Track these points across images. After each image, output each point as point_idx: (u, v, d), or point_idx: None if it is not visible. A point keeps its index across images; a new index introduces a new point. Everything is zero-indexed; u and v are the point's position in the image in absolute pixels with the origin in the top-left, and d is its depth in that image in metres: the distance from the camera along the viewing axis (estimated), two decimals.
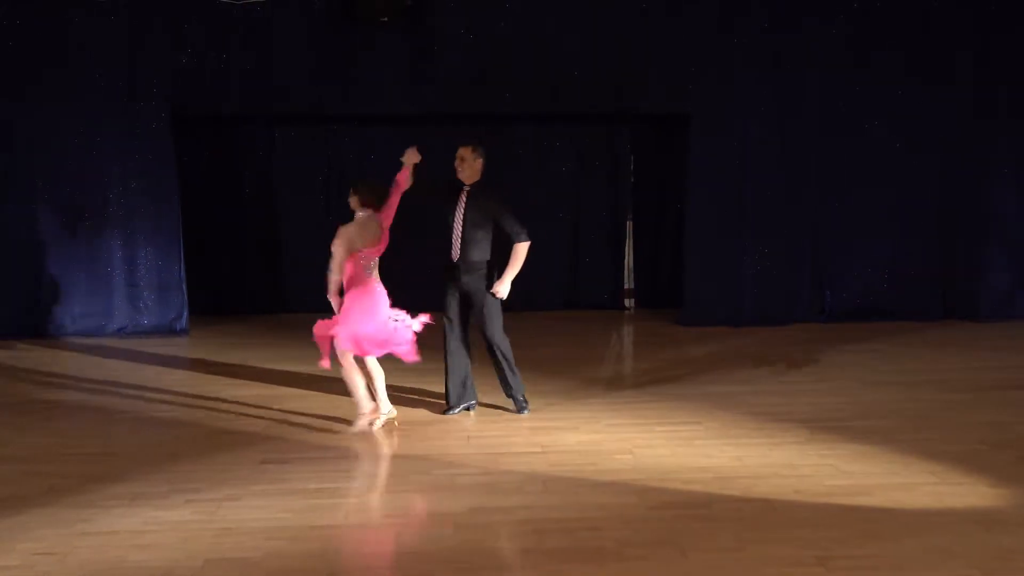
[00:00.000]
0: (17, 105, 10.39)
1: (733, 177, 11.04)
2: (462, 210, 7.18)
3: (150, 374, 8.84)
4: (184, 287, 10.80)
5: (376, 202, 6.96)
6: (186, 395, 8.05)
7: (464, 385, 7.43)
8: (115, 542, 5.05)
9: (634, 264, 12.46)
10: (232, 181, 11.93)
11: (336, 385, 7.59)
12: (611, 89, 10.98)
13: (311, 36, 10.66)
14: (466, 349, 7.39)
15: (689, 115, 11.00)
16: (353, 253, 6.77)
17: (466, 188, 7.23)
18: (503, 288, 7.21)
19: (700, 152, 11.04)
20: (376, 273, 6.93)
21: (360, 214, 6.91)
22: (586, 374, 8.84)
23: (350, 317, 6.76)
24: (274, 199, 12.00)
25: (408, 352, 6.98)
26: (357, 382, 6.87)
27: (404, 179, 7.12)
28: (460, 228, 7.17)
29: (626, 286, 12.47)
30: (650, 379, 8.66)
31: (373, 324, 6.81)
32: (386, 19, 10.46)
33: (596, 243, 12.35)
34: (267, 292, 11.96)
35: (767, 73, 10.93)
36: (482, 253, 7.20)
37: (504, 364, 7.34)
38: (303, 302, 10.85)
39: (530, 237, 7.24)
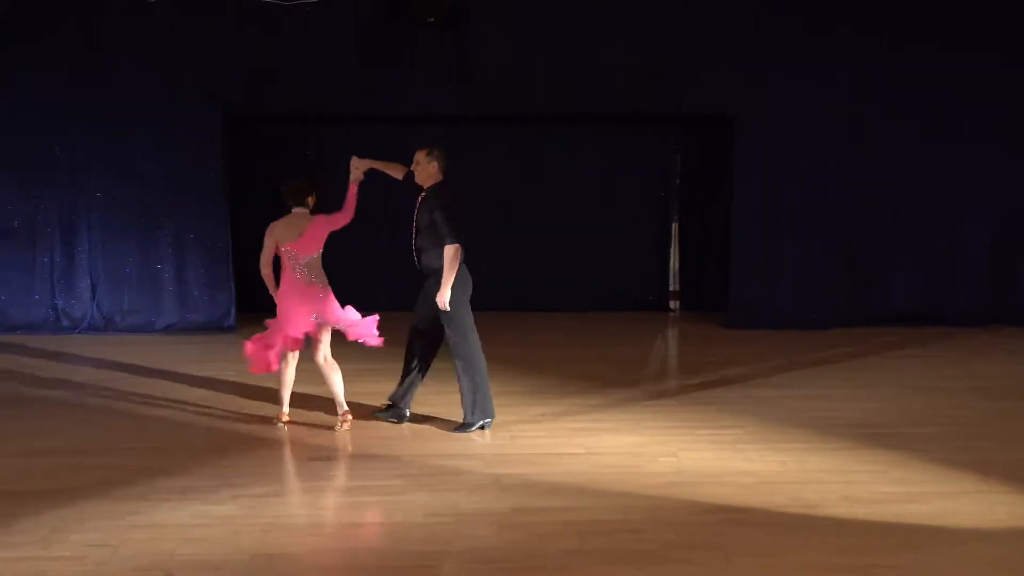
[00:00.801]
0: (67, 103, 10.59)
1: (776, 178, 10.96)
2: (415, 214, 7.04)
3: (198, 370, 8.96)
4: (232, 285, 10.92)
5: (293, 200, 7.14)
6: (233, 392, 8.16)
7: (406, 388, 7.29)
8: (165, 535, 5.14)
9: (679, 266, 12.42)
10: (278, 180, 12.00)
11: (381, 385, 7.66)
12: (654, 90, 10.94)
13: (357, 36, 10.74)
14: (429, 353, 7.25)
15: (733, 116, 10.95)
16: (279, 247, 7.01)
17: (422, 192, 7.06)
18: (442, 298, 6.76)
19: (743, 153, 10.98)
20: (305, 271, 6.99)
21: (294, 210, 7.12)
22: (629, 376, 8.83)
23: (278, 318, 7.02)
24: (319, 198, 12.08)
25: (369, 337, 7.13)
26: (287, 381, 7.14)
27: (352, 195, 7.18)
28: (414, 233, 7.04)
29: (671, 288, 12.43)
30: (694, 382, 8.63)
31: (292, 323, 6.95)
32: (432, 20, 10.52)
33: (641, 245, 12.31)
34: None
35: (809, 73, 10.83)
36: (436, 259, 6.84)
37: (418, 369, 7.19)
38: (350, 301, 10.93)
39: (462, 242, 6.81)
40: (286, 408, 7.17)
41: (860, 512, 5.46)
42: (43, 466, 6.24)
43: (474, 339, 7.03)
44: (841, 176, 10.99)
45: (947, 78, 10.85)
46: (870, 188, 11.04)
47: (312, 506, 5.70)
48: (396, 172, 7.31)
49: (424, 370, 7.31)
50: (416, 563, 4.82)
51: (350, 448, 6.67)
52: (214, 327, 10.87)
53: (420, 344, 7.23)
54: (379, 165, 7.30)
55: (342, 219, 7.15)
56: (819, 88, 10.86)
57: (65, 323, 10.85)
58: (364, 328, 7.12)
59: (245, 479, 6.03)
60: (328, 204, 11.39)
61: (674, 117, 11.75)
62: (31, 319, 10.81)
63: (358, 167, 7.25)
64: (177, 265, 10.90)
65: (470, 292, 7.04)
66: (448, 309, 6.81)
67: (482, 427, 7.07)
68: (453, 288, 6.82)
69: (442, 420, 7.28)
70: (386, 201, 10.66)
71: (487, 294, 12.17)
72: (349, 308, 7.16)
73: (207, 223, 10.85)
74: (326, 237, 7.07)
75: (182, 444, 6.74)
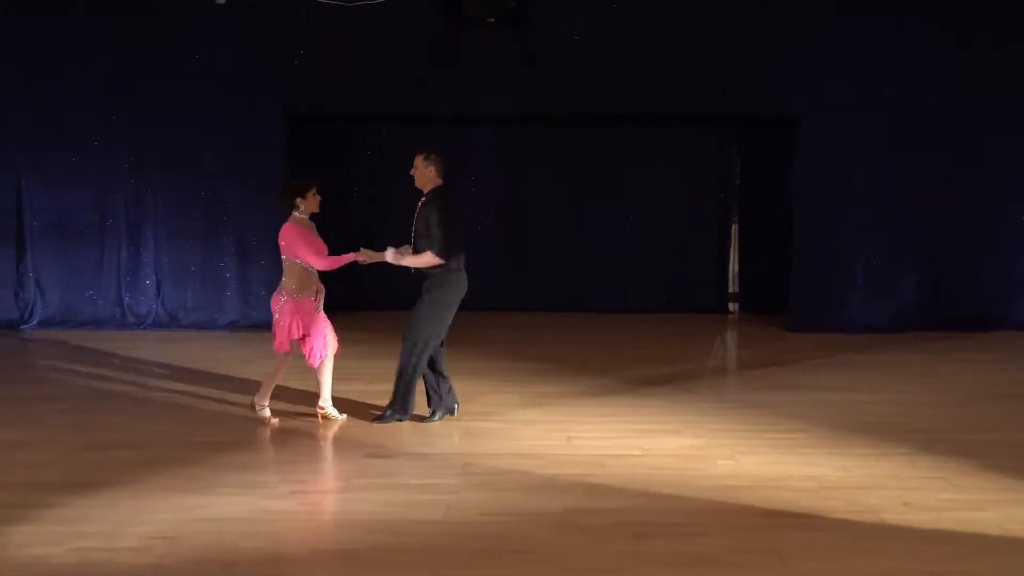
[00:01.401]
0: (136, 103, 10.80)
1: (842, 179, 10.83)
2: (414, 218, 7.10)
3: (260, 368, 9.08)
4: None
5: (280, 200, 7.16)
6: (294, 389, 8.26)
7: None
8: (227, 529, 5.21)
9: (739, 267, 12.31)
10: (340, 179, 12.19)
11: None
12: (717, 90, 10.87)
13: (419, 37, 10.82)
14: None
15: (796, 116, 10.82)
16: None
17: (422, 197, 7.13)
18: (389, 254, 6.94)
19: (808, 153, 10.85)
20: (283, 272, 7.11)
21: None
22: (689, 377, 8.77)
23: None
24: (381, 198, 12.22)
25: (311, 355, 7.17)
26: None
27: (344, 261, 7.06)
28: (413, 237, 7.09)
29: (731, 289, 12.32)
30: (754, 384, 8.55)
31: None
32: (492, 20, 10.55)
33: (701, 245, 12.24)
34: (375, 289, 12.16)
35: (876, 73, 10.68)
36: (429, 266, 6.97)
37: (397, 373, 7.15)
38: (407, 300, 10.99)
39: (444, 257, 6.89)
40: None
41: (923, 519, 5.36)
42: (110, 459, 6.37)
43: (429, 342, 7.03)
44: (907, 177, 10.82)
45: (1014, 77, 10.61)
46: (938, 189, 10.85)
47: (370, 503, 5.74)
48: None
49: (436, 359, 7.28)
50: (472, 562, 4.83)
51: (406, 446, 6.71)
52: None
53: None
54: (406, 261, 7.13)
55: (316, 261, 7.00)
56: (884, 88, 10.70)
57: (131, 319, 11.09)
58: (312, 344, 7.13)
59: (305, 476, 6.10)
60: (387, 200, 11.40)
61: (735, 118, 11.66)
62: (99, 315, 11.07)
63: (381, 259, 7.11)
64: (240, 263, 11.08)
65: (459, 297, 7.11)
66: (393, 262, 6.95)
67: (398, 419, 7.16)
68: (442, 286, 6.98)
69: (497, 421, 7.29)
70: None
71: (545, 294, 12.33)
72: (295, 321, 7.07)
73: (269, 223, 10.96)
74: (294, 251, 6.97)
75: (243, 440, 6.84)
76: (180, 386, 8.40)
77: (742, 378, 9.11)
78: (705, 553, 4.92)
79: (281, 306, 7.06)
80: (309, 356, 7.16)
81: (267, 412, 7.23)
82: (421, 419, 7.26)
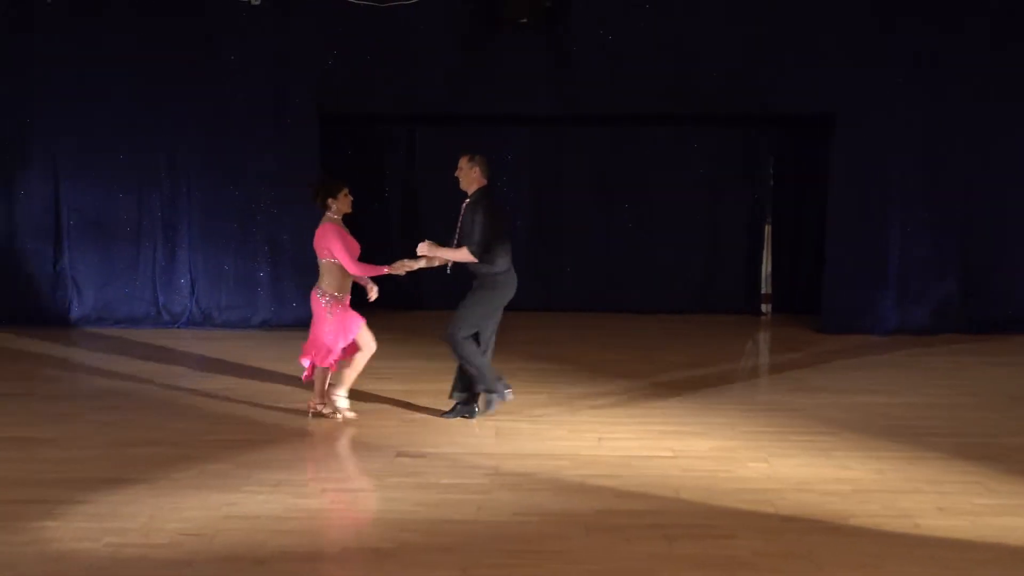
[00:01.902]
0: (170, 104, 10.89)
1: (876, 179, 10.71)
2: (459, 220, 7.13)
3: (293, 367, 9.13)
4: None
5: (313, 201, 7.17)
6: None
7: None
8: (258, 526, 5.25)
9: (772, 268, 12.22)
10: (374, 179, 12.22)
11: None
12: (750, 89, 10.80)
13: (452, 37, 10.82)
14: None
15: (830, 115, 10.73)
16: None
17: (467, 199, 7.16)
18: (424, 247, 6.99)
19: (842, 153, 10.75)
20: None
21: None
22: (720, 379, 8.72)
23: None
24: (414, 197, 12.25)
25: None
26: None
27: (375, 271, 7.06)
28: (457, 237, 7.11)
29: (763, 291, 12.24)
30: (786, 386, 8.49)
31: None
32: (525, 20, 10.55)
33: (733, 246, 12.16)
34: (406, 288, 12.19)
35: (912, 72, 10.56)
36: (476, 265, 7.02)
37: (457, 355, 7.17)
38: (439, 299, 11.04)
39: (478, 256, 6.93)
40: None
41: (958, 524, 5.30)
42: (143, 456, 6.43)
43: (469, 334, 7.09)
44: (942, 178, 10.69)
45: None
46: (972, 190, 10.71)
47: (401, 502, 5.76)
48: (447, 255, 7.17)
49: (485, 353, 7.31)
50: (503, 561, 4.83)
51: (437, 446, 6.71)
52: (307, 324, 11.02)
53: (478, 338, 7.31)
54: (440, 253, 7.14)
55: (349, 264, 6.99)
56: (920, 87, 10.57)
57: (166, 318, 11.18)
58: (312, 352, 7.17)
59: (336, 474, 6.13)
60: (419, 200, 11.42)
61: (768, 117, 11.57)
62: (134, 314, 11.17)
63: (416, 263, 7.12)
64: (273, 263, 11.13)
65: (506, 298, 7.15)
66: (428, 254, 7.00)
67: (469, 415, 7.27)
68: (491, 287, 7.04)
69: (527, 421, 7.28)
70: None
71: (576, 294, 12.31)
72: (342, 328, 7.09)
73: (302, 222, 11.02)
74: (331, 250, 6.99)
75: (276, 438, 6.87)
76: (211, 384, 8.45)
77: (773, 380, 9.04)
78: (737, 556, 4.89)
79: (328, 311, 7.05)
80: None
81: (345, 403, 7.24)
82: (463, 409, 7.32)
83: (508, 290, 7.15)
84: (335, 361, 7.23)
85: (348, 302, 7.15)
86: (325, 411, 7.30)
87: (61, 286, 11.17)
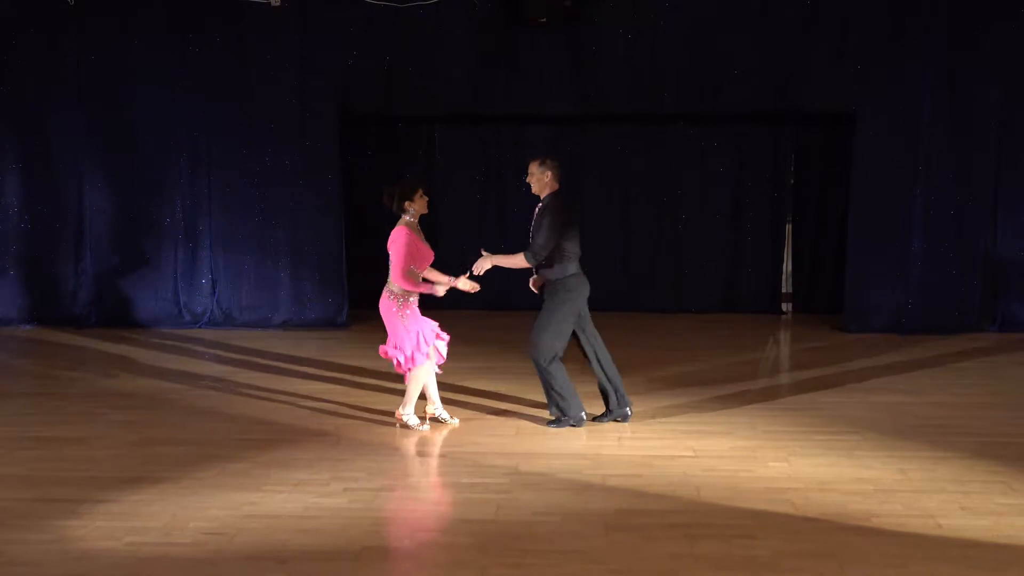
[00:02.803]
0: (192, 106, 10.94)
1: (899, 178, 10.63)
2: (531, 225, 7.04)
3: (313, 366, 9.17)
4: (345, 283, 11.15)
5: (389, 205, 7.05)
6: (346, 386, 8.31)
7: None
8: (279, 526, 5.26)
9: (793, 267, 12.16)
10: (394, 179, 12.19)
11: (493, 383, 7.70)
12: (773, 88, 10.75)
13: (472, 37, 10.83)
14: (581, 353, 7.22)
15: (853, 114, 10.66)
16: None
17: (540, 203, 7.06)
18: (479, 264, 6.89)
19: (865, 152, 10.68)
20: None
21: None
22: (742, 378, 8.68)
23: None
24: (436, 198, 12.22)
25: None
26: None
27: (431, 286, 6.95)
28: (531, 242, 6.99)
29: (784, 290, 12.18)
30: (808, 386, 8.44)
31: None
32: (545, 20, 10.54)
33: (754, 245, 12.10)
34: (492, 288, 12.09)
35: (937, 70, 10.46)
36: (552, 270, 6.94)
37: (540, 375, 7.06)
38: (461, 299, 11.01)
39: (534, 262, 6.88)
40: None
41: (981, 524, 5.25)
42: (166, 455, 6.47)
43: (555, 345, 6.94)
44: (965, 176, 10.60)
45: None
46: (997, 188, 10.62)
47: (421, 502, 5.76)
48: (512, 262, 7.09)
49: (600, 361, 7.16)
50: (523, 561, 4.82)
51: (457, 445, 6.72)
52: (327, 324, 11.10)
53: (583, 347, 7.18)
54: (497, 260, 7.07)
55: (397, 276, 6.78)
56: (943, 85, 10.49)
57: (187, 318, 11.24)
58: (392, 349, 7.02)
59: (357, 473, 6.13)
60: (442, 201, 11.41)
61: (790, 115, 11.51)
62: (156, 313, 11.24)
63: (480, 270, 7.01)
64: (293, 263, 11.16)
65: (577, 302, 7.01)
66: (486, 265, 6.91)
67: (573, 424, 7.08)
68: (558, 289, 6.92)
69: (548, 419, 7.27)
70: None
71: (598, 293, 12.25)
72: (415, 332, 6.94)
73: (322, 222, 11.07)
74: (393, 255, 6.82)
75: (297, 437, 6.89)
76: (233, 384, 8.49)
77: (795, 379, 9.00)
78: (758, 556, 4.86)
79: (402, 314, 6.86)
80: (396, 364, 7.03)
81: (415, 420, 7.06)
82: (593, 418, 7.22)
83: (578, 293, 7.00)
84: (409, 363, 6.97)
85: (416, 304, 6.96)
86: (409, 422, 7.06)
87: (83, 286, 11.24)
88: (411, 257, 6.82)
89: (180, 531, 5.19)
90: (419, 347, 6.91)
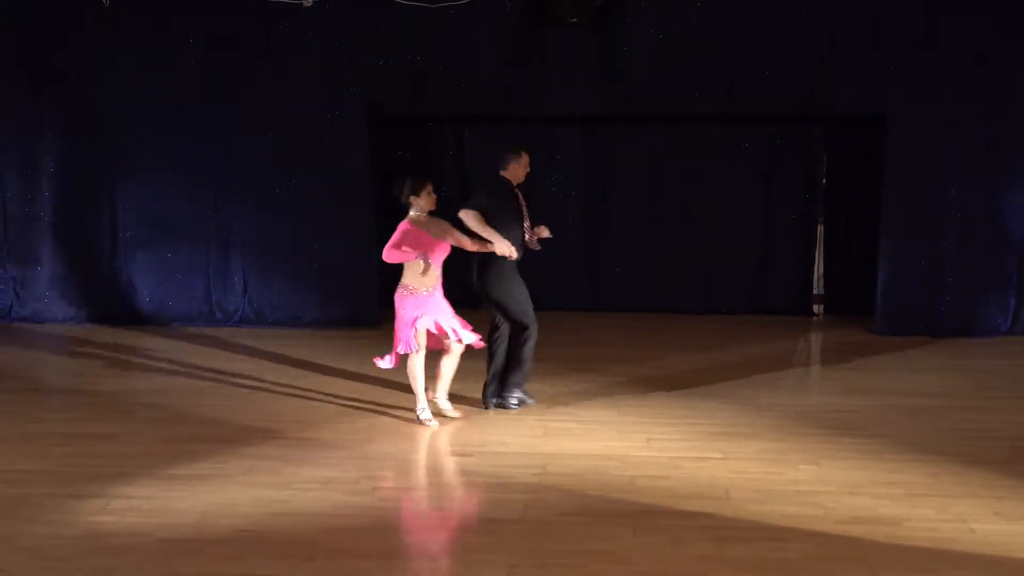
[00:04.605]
0: (223, 104, 11.02)
1: (932, 179, 10.52)
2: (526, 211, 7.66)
3: (343, 364, 9.20)
4: (376, 282, 11.18)
5: (399, 197, 7.20)
6: (376, 386, 8.34)
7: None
8: (308, 524, 5.29)
9: (824, 269, 12.07)
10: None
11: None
12: (804, 89, 10.67)
13: (502, 37, 10.82)
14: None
15: (885, 115, 10.57)
16: None
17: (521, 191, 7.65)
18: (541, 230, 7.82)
19: (897, 153, 10.58)
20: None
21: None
22: (771, 380, 8.63)
23: None
24: (464, 198, 12.21)
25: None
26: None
27: (473, 242, 7.39)
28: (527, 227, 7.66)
29: (815, 291, 12.09)
30: (838, 388, 8.38)
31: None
32: (575, 20, 10.53)
33: (785, 246, 12.02)
34: (456, 288, 12.17)
35: (971, 71, 10.35)
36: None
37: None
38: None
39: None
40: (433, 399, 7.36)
41: (1015, 529, 5.19)
42: (196, 452, 6.51)
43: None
44: (999, 178, 10.48)
45: None
46: None
47: (449, 501, 5.77)
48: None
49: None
50: (549, 562, 4.82)
51: (485, 445, 6.72)
52: (358, 322, 11.13)
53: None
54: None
55: (385, 250, 7.07)
56: (980, 87, 10.37)
57: (219, 316, 11.33)
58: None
59: (387, 472, 6.16)
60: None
61: (822, 116, 11.43)
62: (188, 312, 11.33)
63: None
64: (324, 262, 11.21)
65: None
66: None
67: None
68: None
69: (575, 421, 7.27)
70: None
71: (627, 294, 12.26)
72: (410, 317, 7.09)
73: (353, 222, 11.11)
74: (395, 237, 7.04)
75: (327, 436, 6.92)
76: (264, 382, 8.54)
77: (825, 382, 8.94)
78: (788, 560, 4.83)
79: (402, 304, 7.07)
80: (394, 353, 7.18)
81: (426, 415, 7.12)
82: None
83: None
84: (398, 354, 7.13)
85: (425, 295, 7.09)
86: (424, 419, 7.13)
87: (117, 284, 11.36)
88: (408, 243, 7.01)
89: (211, 528, 5.23)
90: (411, 339, 7.01)
